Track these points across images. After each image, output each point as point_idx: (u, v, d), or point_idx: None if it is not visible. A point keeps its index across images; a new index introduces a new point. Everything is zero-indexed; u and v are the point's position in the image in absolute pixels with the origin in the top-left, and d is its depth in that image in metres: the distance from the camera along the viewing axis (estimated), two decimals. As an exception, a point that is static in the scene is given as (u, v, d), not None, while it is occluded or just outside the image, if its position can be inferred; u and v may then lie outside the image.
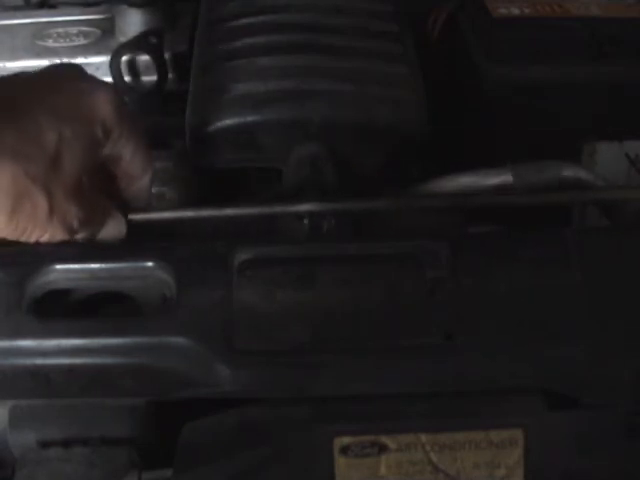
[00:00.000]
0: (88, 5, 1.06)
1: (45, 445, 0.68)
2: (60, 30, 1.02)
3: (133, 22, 0.99)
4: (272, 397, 0.67)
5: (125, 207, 0.70)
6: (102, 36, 1.01)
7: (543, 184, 0.80)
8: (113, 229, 0.69)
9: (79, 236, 0.67)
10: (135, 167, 0.68)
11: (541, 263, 0.68)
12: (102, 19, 1.03)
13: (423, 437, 0.64)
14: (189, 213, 0.75)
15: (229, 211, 0.74)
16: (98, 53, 0.98)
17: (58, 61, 0.98)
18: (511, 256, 0.69)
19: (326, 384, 0.65)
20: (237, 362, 0.64)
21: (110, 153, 0.65)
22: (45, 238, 0.64)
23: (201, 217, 0.75)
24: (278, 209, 0.74)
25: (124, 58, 0.95)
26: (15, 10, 1.06)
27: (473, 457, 0.64)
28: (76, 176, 0.62)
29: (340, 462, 0.63)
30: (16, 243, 0.71)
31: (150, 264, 0.68)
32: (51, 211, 0.62)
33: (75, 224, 0.64)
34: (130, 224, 0.71)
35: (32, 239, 0.63)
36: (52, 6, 1.07)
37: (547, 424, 0.65)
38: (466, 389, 0.66)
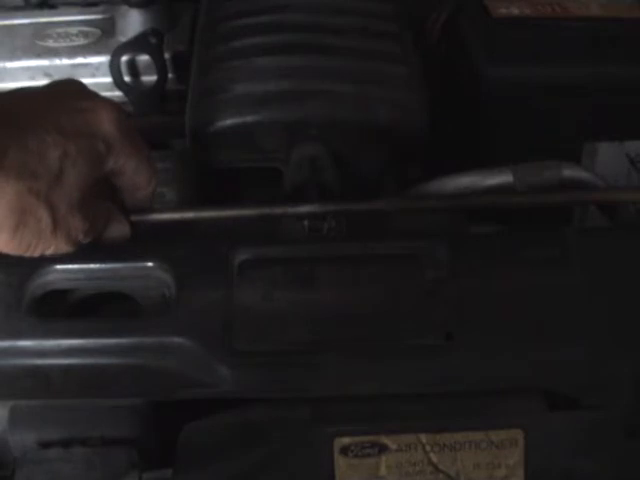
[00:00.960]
0: (88, 5, 1.06)
1: (45, 445, 0.68)
2: (60, 30, 1.02)
3: (133, 22, 0.99)
4: (272, 397, 0.67)
5: (128, 212, 0.70)
6: (102, 36, 1.01)
7: (543, 184, 0.80)
8: (116, 231, 0.69)
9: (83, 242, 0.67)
10: (138, 180, 0.69)
11: (541, 263, 0.68)
12: (102, 19, 1.03)
13: (423, 437, 0.64)
14: (190, 214, 0.75)
15: (229, 212, 0.74)
16: (98, 53, 0.98)
17: (58, 61, 0.98)
18: (511, 256, 0.69)
19: (326, 384, 0.65)
20: (237, 362, 0.64)
21: (113, 167, 0.66)
22: (50, 252, 0.64)
23: (202, 218, 0.75)
24: (278, 210, 0.74)
25: (124, 58, 0.95)
26: (15, 10, 1.06)
27: (473, 457, 0.64)
28: (79, 190, 0.63)
29: (340, 462, 0.63)
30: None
31: (150, 264, 0.69)
32: (55, 226, 0.62)
33: (80, 236, 0.65)
34: (132, 225, 0.70)
35: (36, 254, 0.64)
36: (52, 6, 1.07)
37: (547, 424, 0.65)
38: (466, 389, 0.66)
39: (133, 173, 0.68)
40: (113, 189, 0.70)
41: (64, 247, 0.64)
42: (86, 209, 0.64)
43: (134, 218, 0.70)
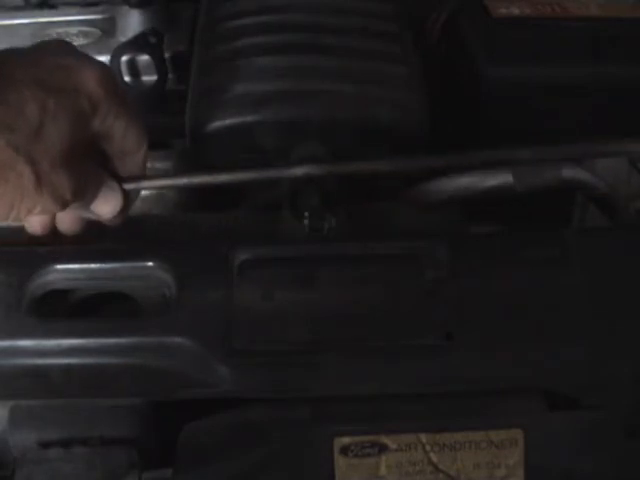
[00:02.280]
0: (88, 5, 1.06)
1: (45, 445, 0.68)
2: (60, 30, 1.02)
3: (133, 22, 0.99)
4: (272, 397, 0.67)
5: (120, 178, 0.68)
6: (102, 36, 1.01)
7: (543, 184, 0.81)
8: (109, 198, 0.68)
9: (73, 207, 0.66)
10: (128, 143, 0.67)
11: (541, 263, 0.68)
12: (102, 19, 1.03)
13: (423, 437, 0.64)
14: (183, 180, 0.72)
15: (224, 177, 0.72)
16: (98, 53, 0.98)
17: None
18: (511, 256, 0.69)
19: (326, 384, 0.65)
20: (237, 362, 0.64)
21: (100, 129, 0.64)
22: (37, 211, 0.62)
23: (195, 184, 0.73)
24: (273, 173, 0.72)
25: (124, 58, 0.96)
26: (15, 10, 1.06)
27: (473, 457, 0.64)
28: (62, 147, 0.61)
29: (340, 462, 0.63)
30: (16, 242, 0.71)
31: (150, 264, 0.68)
32: (38, 182, 0.60)
33: (67, 195, 0.63)
34: (125, 193, 0.68)
35: (22, 213, 0.62)
36: (52, 6, 1.07)
37: (547, 424, 0.65)
38: (466, 389, 0.66)
39: (122, 136, 0.66)
40: (104, 156, 0.68)
41: (51, 206, 0.62)
42: (72, 168, 0.62)
43: (127, 186, 0.68)
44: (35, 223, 0.68)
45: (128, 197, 0.69)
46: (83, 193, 0.65)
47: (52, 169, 0.61)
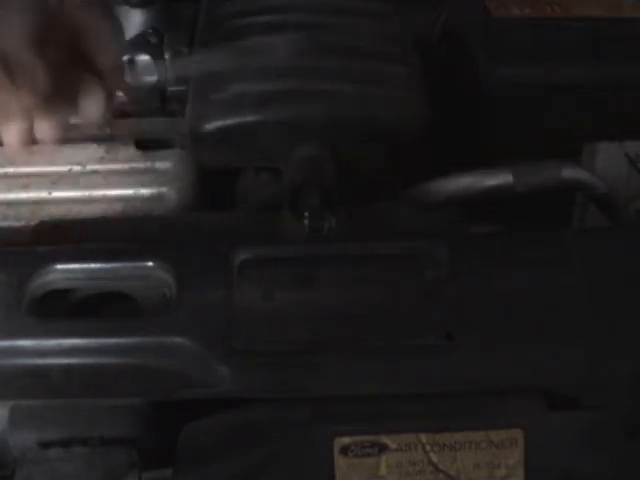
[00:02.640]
0: (88, 5, 1.06)
1: (45, 445, 0.68)
2: (60, 30, 1.02)
3: (133, 22, 0.99)
4: (272, 397, 0.67)
5: (99, 74, 0.67)
6: (102, 36, 1.01)
7: (543, 184, 0.81)
8: (92, 99, 0.66)
9: (61, 115, 0.63)
10: (103, 37, 0.64)
11: (541, 263, 0.68)
12: (102, 19, 1.03)
13: (423, 437, 0.64)
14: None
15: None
16: (98, 53, 0.98)
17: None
18: (511, 256, 0.69)
19: (326, 384, 0.65)
20: (237, 362, 0.64)
21: (76, 23, 0.62)
22: (14, 106, 0.60)
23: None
24: None
25: (124, 58, 0.95)
26: (15, 10, 1.06)
27: (473, 457, 0.64)
28: (28, 30, 0.58)
29: (340, 462, 0.63)
30: (16, 242, 0.71)
31: (150, 264, 0.69)
32: (8, 67, 0.58)
33: (44, 85, 0.60)
34: (110, 96, 0.67)
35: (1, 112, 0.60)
36: (52, 6, 1.07)
37: (547, 424, 0.65)
38: (466, 389, 0.66)
39: (97, 29, 0.63)
40: (81, 55, 0.66)
41: (29, 96, 0.60)
42: (46, 57, 0.60)
43: (111, 87, 0.67)
44: (12, 132, 0.66)
45: (110, 95, 0.67)
46: (61, 89, 0.62)
47: (21, 52, 0.58)
